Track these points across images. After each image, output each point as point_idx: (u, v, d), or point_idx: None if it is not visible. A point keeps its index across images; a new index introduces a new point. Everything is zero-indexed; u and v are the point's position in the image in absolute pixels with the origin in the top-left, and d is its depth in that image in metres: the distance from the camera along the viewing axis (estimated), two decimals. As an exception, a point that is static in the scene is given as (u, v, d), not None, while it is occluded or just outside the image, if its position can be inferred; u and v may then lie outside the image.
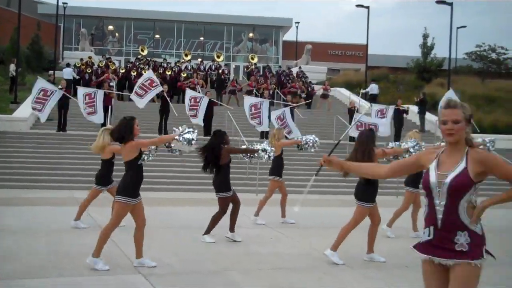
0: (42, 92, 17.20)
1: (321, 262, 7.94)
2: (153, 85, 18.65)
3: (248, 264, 7.72)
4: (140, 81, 18.89)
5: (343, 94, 33.53)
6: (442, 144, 10.25)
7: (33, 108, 17.50)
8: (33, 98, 17.24)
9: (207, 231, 9.04)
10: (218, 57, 36.97)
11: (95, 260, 6.97)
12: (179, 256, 7.99)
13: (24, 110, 21.30)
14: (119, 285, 6.43)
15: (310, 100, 29.67)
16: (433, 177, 3.80)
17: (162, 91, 20.43)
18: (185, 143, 7.24)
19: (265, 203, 11.13)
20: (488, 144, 11.53)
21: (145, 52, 37.81)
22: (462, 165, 3.76)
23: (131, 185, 6.99)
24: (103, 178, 9.82)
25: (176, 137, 7.27)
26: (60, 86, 20.46)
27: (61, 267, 7.11)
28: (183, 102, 28.59)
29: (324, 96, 30.17)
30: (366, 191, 7.94)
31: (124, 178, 7.07)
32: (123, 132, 6.99)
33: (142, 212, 7.18)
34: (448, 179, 3.73)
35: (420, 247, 3.90)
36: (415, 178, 9.88)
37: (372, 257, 8.06)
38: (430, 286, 3.91)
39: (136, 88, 18.69)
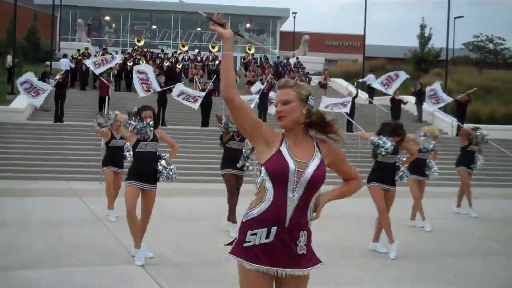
0: (27, 83, 16.77)
1: (316, 251, 7.95)
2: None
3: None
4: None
5: (340, 84, 33.50)
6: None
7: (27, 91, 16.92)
8: (23, 90, 16.87)
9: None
10: (213, 47, 36.88)
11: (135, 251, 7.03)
12: (177, 247, 8.00)
13: (21, 101, 21.23)
14: (116, 276, 6.44)
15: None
16: (292, 164, 3.14)
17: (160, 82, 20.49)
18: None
19: None
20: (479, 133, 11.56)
21: (142, 43, 37.71)
22: (319, 154, 3.25)
23: (133, 171, 7.05)
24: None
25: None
26: (57, 76, 20.46)
27: (57, 258, 7.10)
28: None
29: (323, 86, 30.14)
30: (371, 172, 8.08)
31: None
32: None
33: (148, 203, 7.15)
34: (310, 169, 3.17)
35: (249, 253, 3.15)
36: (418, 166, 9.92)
37: (375, 246, 8.05)
38: None
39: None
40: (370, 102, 26.79)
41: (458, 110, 24.00)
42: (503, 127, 24.67)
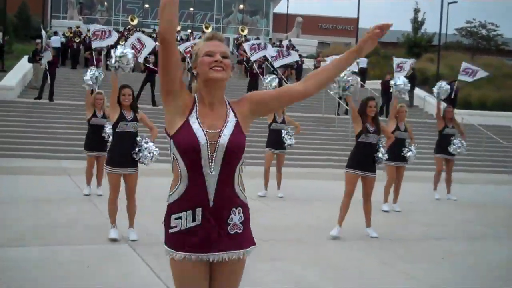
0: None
1: (306, 234, 7.99)
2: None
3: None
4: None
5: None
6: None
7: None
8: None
9: None
10: (207, 28, 36.65)
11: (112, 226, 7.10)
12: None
13: (11, 78, 21.07)
14: (104, 254, 6.43)
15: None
16: (202, 137, 2.75)
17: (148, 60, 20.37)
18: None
19: (267, 175, 11.00)
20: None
21: (135, 22, 37.40)
22: (233, 119, 2.84)
23: (113, 155, 7.06)
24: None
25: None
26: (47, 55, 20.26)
27: (44, 236, 7.10)
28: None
29: (317, 68, 30.16)
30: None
31: None
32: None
33: (130, 187, 7.17)
34: (223, 139, 2.76)
35: (178, 240, 2.86)
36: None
37: (368, 232, 8.05)
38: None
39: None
40: (362, 86, 26.75)
41: (449, 96, 23.98)
42: (494, 113, 24.77)
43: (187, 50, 18.44)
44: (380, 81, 25.53)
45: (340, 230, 7.76)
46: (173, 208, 2.90)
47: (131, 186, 7.17)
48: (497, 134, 21.07)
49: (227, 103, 2.90)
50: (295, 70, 28.93)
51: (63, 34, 30.27)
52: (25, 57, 23.29)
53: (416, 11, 40.44)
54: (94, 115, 9.92)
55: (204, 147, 2.75)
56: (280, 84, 10.06)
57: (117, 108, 7.05)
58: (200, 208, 2.79)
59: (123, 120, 6.99)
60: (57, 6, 47.12)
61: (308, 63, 33.42)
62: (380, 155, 7.94)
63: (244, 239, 2.88)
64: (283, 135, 10.70)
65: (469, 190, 13.70)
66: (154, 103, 20.81)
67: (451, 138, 11.63)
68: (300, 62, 31.56)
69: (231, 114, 2.86)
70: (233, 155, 2.79)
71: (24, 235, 7.11)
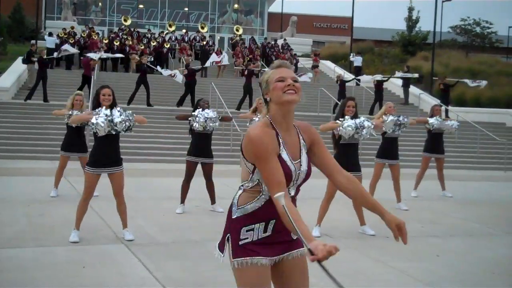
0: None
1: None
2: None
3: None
4: None
5: (328, 66, 33.47)
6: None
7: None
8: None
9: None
10: (203, 28, 36.62)
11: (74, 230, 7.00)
12: (161, 226, 8.00)
13: (6, 79, 21.03)
14: (100, 255, 6.42)
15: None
16: (293, 169, 3.01)
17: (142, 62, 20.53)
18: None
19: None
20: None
21: (128, 22, 37.33)
22: (304, 145, 3.12)
23: (94, 155, 6.97)
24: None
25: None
26: (40, 54, 20.26)
27: (40, 238, 7.08)
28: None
29: (314, 67, 30.25)
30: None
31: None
32: (94, 100, 7.08)
33: (116, 187, 7.08)
34: (303, 167, 3.07)
35: (247, 249, 3.02)
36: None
37: (364, 230, 8.06)
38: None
39: None
40: (357, 84, 26.80)
41: (443, 93, 24.05)
42: (488, 110, 24.84)
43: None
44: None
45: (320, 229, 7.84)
46: (245, 221, 3.07)
47: (117, 185, 7.04)
48: (492, 131, 21.12)
49: (294, 125, 3.14)
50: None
51: (57, 35, 30.18)
52: (20, 58, 23.24)
53: (411, 9, 40.57)
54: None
55: (294, 176, 3.02)
56: None
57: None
58: (274, 221, 3.02)
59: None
60: (51, 7, 47.04)
61: (303, 62, 33.44)
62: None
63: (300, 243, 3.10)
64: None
65: (464, 187, 13.73)
66: (149, 104, 20.78)
67: (441, 137, 11.67)
68: (296, 62, 31.63)
69: (302, 141, 3.12)
70: (307, 178, 3.11)
71: (19, 236, 7.10)
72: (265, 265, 3.03)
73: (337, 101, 21.33)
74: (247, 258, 3.00)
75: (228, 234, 3.11)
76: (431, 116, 11.63)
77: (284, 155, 3.00)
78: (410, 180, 11.93)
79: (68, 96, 10.52)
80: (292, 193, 3.05)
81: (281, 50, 34.08)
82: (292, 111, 3.07)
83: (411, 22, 40.48)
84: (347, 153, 7.85)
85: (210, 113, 8.87)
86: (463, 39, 49.33)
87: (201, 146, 9.01)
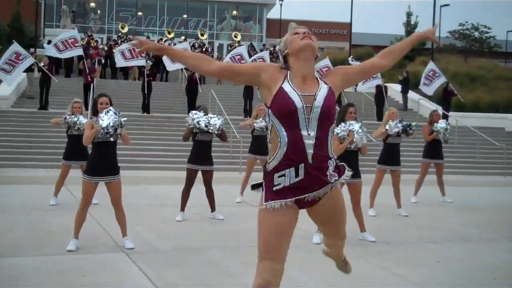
0: (15, 55, 17.21)
1: (301, 239, 7.98)
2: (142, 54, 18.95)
3: (229, 242, 7.74)
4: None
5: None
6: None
7: (1, 69, 17.07)
8: (4, 59, 17.06)
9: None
10: (202, 35, 36.66)
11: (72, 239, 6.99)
12: (160, 234, 8.00)
13: (5, 88, 21.02)
14: (100, 263, 6.42)
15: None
16: (298, 101, 3.06)
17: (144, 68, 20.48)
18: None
19: (247, 181, 10.95)
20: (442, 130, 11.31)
21: (125, 30, 37.33)
22: (325, 86, 3.20)
23: (91, 164, 6.98)
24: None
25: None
26: (42, 64, 20.28)
27: (40, 246, 7.08)
28: (167, 80, 28.57)
29: None
30: None
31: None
32: (92, 108, 7.12)
33: (114, 195, 7.08)
34: (318, 101, 3.10)
35: (279, 194, 3.13)
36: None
37: (364, 236, 8.05)
38: (287, 231, 3.20)
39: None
40: (355, 90, 26.81)
41: (444, 99, 24.08)
42: (487, 115, 24.86)
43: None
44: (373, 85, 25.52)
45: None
46: (277, 168, 3.14)
47: (115, 194, 7.06)
48: (491, 136, 21.13)
49: (317, 77, 3.24)
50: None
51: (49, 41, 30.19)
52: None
53: (409, 14, 40.66)
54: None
55: (301, 110, 3.05)
56: None
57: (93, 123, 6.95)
58: (303, 164, 3.08)
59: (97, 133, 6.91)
60: (50, 15, 47.11)
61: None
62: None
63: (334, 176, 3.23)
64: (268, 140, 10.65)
65: (464, 192, 13.73)
66: (148, 111, 20.79)
67: (439, 143, 11.68)
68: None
69: (323, 84, 3.19)
70: (327, 116, 3.10)
71: (19, 244, 7.10)
72: (286, 206, 3.12)
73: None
74: (277, 200, 3.11)
75: (263, 183, 3.23)
76: (431, 122, 11.67)
77: (287, 87, 3.11)
78: (409, 186, 11.93)
79: (67, 104, 10.53)
80: (312, 134, 3.07)
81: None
82: (310, 60, 3.19)
83: (410, 27, 40.61)
84: (346, 159, 7.83)
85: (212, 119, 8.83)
86: (461, 44, 49.40)
87: (201, 153, 9.02)
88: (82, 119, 9.45)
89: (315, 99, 3.07)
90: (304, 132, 3.05)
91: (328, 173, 3.16)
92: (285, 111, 3.05)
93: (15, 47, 17.69)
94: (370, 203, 10.06)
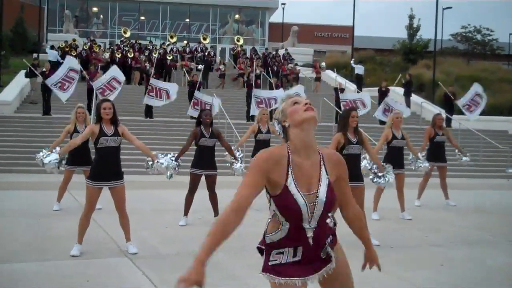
0: (71, 72, 16.66)
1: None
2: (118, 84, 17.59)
3: (233, 245, 7.72)
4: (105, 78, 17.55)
5: (329, 76, 33.53)
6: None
7: (56, 84, 16.59)
8: (61, 75, 16.56)
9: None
10: (205, 39, 36.74)
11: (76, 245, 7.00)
12: (164, 239, 8.00)
13: (8, 93, 21.11)
14: (104, 268, 6.42)
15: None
16: (301, 202, 3.00)
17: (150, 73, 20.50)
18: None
19: None
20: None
21: (128, 34, 37.45)
22: (325, 177, 3.11)
23: (95, 169, 7.00)
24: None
25: None
26: (44, 69, 20.33)
27: (43, 251, 7.09)
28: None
29: (317, 79, 30.56)
30: None
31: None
32: (96, 113, 7.12)
33: (118, 200, 7.11)
34: (320, 199, 3.05)
35: (278, 269, 3.09)
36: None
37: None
38: None
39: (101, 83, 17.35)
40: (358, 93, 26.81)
41: (446, 102, 24.06)
42: (490, 118, 24.80)
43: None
44: (377, 88, 25.58)
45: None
46: (274, 245, 3.13)
47: (119, 199, 7.08)
48: (495, 139, 21.11)
49: (319, 152, 3.16)
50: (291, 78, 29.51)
51: (58, 47, 30.30)
52: (22, 72, 23.33)
53: (411, 17, 40.63)
54: (76, 130, 9.86)
55: (304, 210, 3.00)
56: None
57: (95, 128, 6.98)
58: (301, 247, 3.07)
59: (103, 135, 6.91)
60: (53, 20, 47.25)
61: (305, 72, 33.48)
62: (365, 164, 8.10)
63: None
64: (270, 144, 10.72)
65: (468, 195, 13.71)
66: (151, 116, 20.83)
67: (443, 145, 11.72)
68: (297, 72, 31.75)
69: (324, 171, 3.10)
70: (329, 208, 3.09)
71: (23, 250, 7.11)
72: (293, 285, 3.05)
73: (338, 110, 21.35)
74: (274, 277, 3.07)
75: (263, 247, 3.19)
76: (433, 126, 11.67)
77: (292, 188, 3.00)
78: (413, 189, 11.91)
79: (70, 109, 10.56)
80: (313, 225, 3.04)
81: (282, 60, 34.14)
82: (312, 132, 3.11)
83: (412, 30, 40.57)
84: (349, 164, 7.81)
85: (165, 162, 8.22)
86: (464, 47, 49.39)
87: (204, 158, 9.05)
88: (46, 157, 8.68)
89: (317, 197, 3.03)
90: (306, 225, 3.05)
91: (326, 249, 3.18)
92: (288, 212, 3.03)
93: (71, 62, 17.14)
94: (374, 206, 10.04)
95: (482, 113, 25.48)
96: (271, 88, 22.75)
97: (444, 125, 11.93)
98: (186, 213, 9.15)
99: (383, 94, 23.71)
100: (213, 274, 6.13)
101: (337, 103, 22.58)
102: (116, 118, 7.06)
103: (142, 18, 51.68)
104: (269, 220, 3.17)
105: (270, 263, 3.10)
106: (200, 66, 26.43)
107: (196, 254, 2.81)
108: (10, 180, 13.66)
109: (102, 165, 6.93)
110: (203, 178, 9.15)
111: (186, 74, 27.32)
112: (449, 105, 23.78)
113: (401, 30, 52.02)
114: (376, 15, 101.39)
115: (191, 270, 2.82)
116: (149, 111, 20.93)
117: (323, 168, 3.12)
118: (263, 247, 3.20)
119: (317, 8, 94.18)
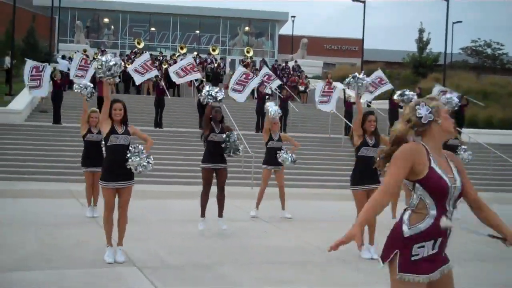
0: (34, 70, 18.44)
1: (313, 256, 7.95)
2: (194, 69, 20.56)
3: (240, 258, 7.71)
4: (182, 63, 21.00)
5: (338, 88, 33.42)
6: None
7: (31, 87, 18.53)
8: (27, 78, 18.35)
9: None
10: (214, 50, 36.84)
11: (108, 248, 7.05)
12: (173, 249, 7.98)
13: (19, 102, 21.22)
14: (111, 277, 6.41)
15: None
16: (448, 182, 3.38)
17: (159, 79, 20.76)
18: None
19: (262, 193, 10.86)
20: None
21: (141, 45, 37.59)
22: (453, 166, 3.52)
23: (106, 169, 7.04)
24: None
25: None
26: (55, 78, 20.45)
27: (51, 259, 7.09)
28: (179, 95, 28.71)
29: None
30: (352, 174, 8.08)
31: None
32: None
33: (123, 199, 7.10)
34: (458, 183, 3.45)
35: (418, 266, 3.36)
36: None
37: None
38: None
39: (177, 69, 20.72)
40: (368, 106, 26.78)
41: (456, 114, 23.94)
42: (500, 132, 24.67)
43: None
44: (387, 100, 25.51)
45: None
46: (416, 239, 3.36)
47: (124, 199, 7.10)
48: (504, 153, 20.98)
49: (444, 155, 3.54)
50: (302, 92, 29.63)
51: (69, 57, 30.45)
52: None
53: (421, 31, 40.58)
54: (90, 131, 10.00)
55: (450, 189, 3.38)
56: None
57: (108, 121, 7.02)
58: (441, 238, 3.40)
59: (114, 133, 6.95)
60: (64, 30, 47.55)
61: (315, 84, 33.43)
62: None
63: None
64: (279, 152, 10.69)
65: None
66: (160, 125, 20.88)
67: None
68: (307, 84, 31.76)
69: (451, 164, 3.51)
70: (461, 193, 3.48)
71: (30, 258, 7.11)
72: (423, 284, 3.34)
73: (348, 122, 21.33)
74: (413, 275, 3.31)
75: (397, 250, 3.37)
76: None
77: (437, 168, 3.38)
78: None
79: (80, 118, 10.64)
80: (451, 208, 3.41)
81: (291, 72, 34.20)
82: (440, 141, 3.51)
83: (422, 43, 40.50)
84: (365, 166, 7.78)
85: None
86: (474, 61, 49.25)
87: (215, 153, 9.04)
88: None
89: (455, 180, 3.42)
90: (448, 207, 3.40)
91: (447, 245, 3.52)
92: (437, 189, 3.35)
93: (30, 63, 18.62)
94: (393, 214, 10.03)
95: (491, 127, 25.48)
96: (280, 100, 22.81)
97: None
98: (203, 214, 9.06)
99: (394, 107, 23.61)
100: (205, 274, 6.10)
101: (347, 115, 22.60)
102: (126, 118, 7.13)
103: (153, 29, 51.92)
104: (410, 214, 3.41)
105: (412, 258, 3.32)
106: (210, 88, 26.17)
107: (354, 223, 3.30)
108: (19, 188, 13.70)
109: (113, 163, 6.97)
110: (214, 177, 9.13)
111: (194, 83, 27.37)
112: (459, 118, 23.67)
113: (411, 43, 52.03)
114: (386, 28, 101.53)
115: (352, 230, 3.28)
116: (158, 123, 20.99)
117: (450, 162, 3.51)
118: (395, 250, 3.38)
119: (326, 20, 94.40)
